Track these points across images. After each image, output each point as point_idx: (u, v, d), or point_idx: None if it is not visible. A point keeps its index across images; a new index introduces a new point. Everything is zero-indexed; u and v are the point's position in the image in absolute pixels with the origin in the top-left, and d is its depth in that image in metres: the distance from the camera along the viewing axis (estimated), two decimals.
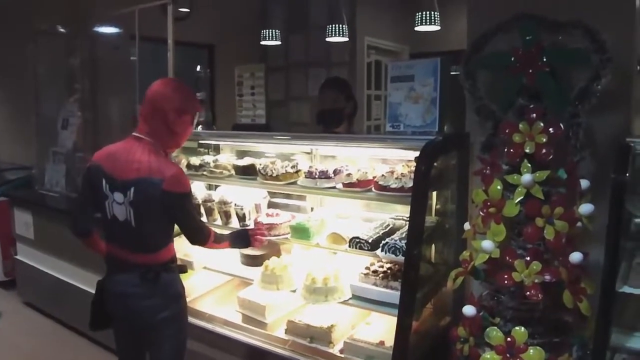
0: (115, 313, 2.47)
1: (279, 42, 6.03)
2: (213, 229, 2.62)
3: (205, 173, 3.32)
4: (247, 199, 3.28)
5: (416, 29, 5.07)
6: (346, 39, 5.77)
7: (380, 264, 2.80)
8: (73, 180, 4.66)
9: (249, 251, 3.28)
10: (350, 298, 2.75)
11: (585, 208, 2.06)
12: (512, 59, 2.21)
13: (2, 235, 5.29)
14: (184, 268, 2.67)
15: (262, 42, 5.96)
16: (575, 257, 2.03)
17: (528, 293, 2.02)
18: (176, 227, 2.46)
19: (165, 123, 2.36)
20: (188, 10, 5.62)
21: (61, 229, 4.34)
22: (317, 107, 3.67)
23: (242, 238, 2.81)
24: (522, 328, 2.08)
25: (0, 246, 5.33)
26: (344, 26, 5.64)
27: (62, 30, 5.33)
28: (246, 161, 3.25)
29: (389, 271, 2.72)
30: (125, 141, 2.39)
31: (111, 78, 4.99)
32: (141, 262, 2.35)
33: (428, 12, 4.87)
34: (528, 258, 2.08)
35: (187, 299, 2.61)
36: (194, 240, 2.52)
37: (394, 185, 2.56)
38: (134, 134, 2.38)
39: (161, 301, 2.37)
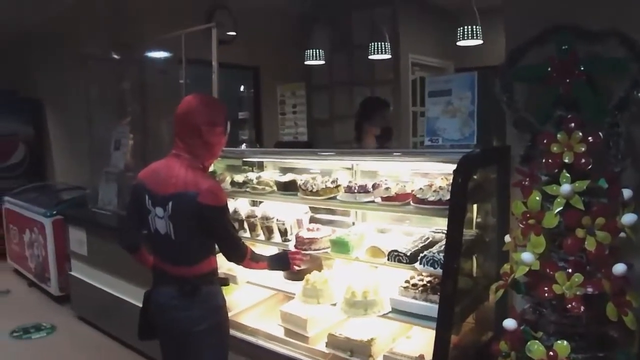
0: (158, 324, 2.55)
1: (322, 62, 6.14)
2: (251, 247, 2.67)
3: (248, 189, 3.40)
4: (289, 215, 3.33)
5: (458, 43, 5.07)
6: (389, 56, 5.81)
7: (421, 277, 2.79)
8: (124, 199, 4.81)
9: None
10: (389, 312, 2.75)
11: (628, 218, 2.01)
12: (549, 69, 2.21)
13: (57, 251, 5.52)
14: (225, 281, 2.72)
15: (306, 62, 6.07)
16: (619, 268, 1.99)
17: (569, 306, 1.99)
18: None
19: (200, 137, 2.42)
20: (234, 33, 5.78)
21: (113, 246, 4.50)
22: (376, 127, 3.88)
23: (281, 260, 2.85)
24: (565, 342, 2.03)
25: (56, 262, 5.55)
26: (386, 44, 5.69)
27: (114, 55, 5.56)
28: (287, 177, 3.31)
29: (428, 284, 2.71)
30: (166, 159, 2.50)
31: (160, 101, 5.17)
32: (181, 274, 2.42)
33: (470, 27, 4.87)
34: (569, 270, 2.04)
35: (231, 313, 2.67)
36: (230, 256, 2.57)
37: (431, 198, 2.56)
38: (173, 151, 2.48)
39: (199, 313, 2.42)
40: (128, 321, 4.26)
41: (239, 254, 2.56)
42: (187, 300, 2.41)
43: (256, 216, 3.40)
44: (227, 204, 2.47)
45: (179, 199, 2.34)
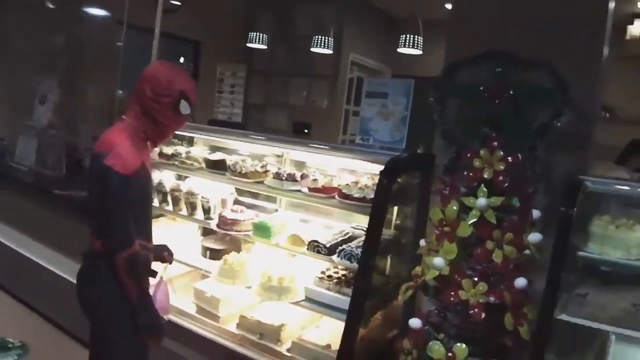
0: None
1: (264, 47, 6.13)
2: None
3: (176, 163, 3.38)
4: (214, 193, 3.33)
5: (398, 50, 5.21)
6: (330, 51, 5.88)
7: (336, 269, 2.88)
8: (43, 155, 4.64)
9: (210, 244, 3.34)
10: (302, 300, 2.82)
11: (534, 236, 2.16)
12: (481, 88, 2.33)
13: None
14: (152, 272, 2.37)
15: (248, 44, 6.05)
16: (520, 282, 2.13)
17: (472, 312, 2.11)
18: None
19: (140, 102, 2.18)
20: (179, 3, 5.68)
21: (26, 202, 4.34)
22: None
23: (149, 313, 2.18)
24: (464, 345, 2.16)
25: None
26: (330, 39, 5.76)
27: (50, 5, 5.33)
28: (217, 156, 3.31)
29: (343, 277, 2.80)
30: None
31: (94, 60, 5.00)
32: (93, 247, 2.17)
33: (412, 36, 5.02)
34: (476, 278, 2.17)
35: None
36: (104, 236, 2.11)
37: (356, 195, 2.64)
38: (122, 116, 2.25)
39: (99, 294, 2.16)
40: (30, 280, 4.16)
41: (117, 241, 2.07)
42: (90, 278, 2.18)
43: (181, 190, 3.39)
44: (132, 177, 2.09)
45: (94, 159, 2.12)
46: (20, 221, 4.47)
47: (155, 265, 2.46)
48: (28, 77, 5.26)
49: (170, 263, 2.58)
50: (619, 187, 2.25)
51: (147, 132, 2.23)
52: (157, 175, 3.42)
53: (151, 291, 2.32)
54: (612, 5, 2.50)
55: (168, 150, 3.47)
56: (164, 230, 3.48)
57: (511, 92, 2.29)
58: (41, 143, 4.69)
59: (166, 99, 2.17)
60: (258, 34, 6.03)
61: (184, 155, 3.39)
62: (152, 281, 2.39)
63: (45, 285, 4.03)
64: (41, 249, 4.15)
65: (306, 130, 6.49)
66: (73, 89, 5.07)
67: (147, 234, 2.32)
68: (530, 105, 2.33)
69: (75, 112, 4.95)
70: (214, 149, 3.67)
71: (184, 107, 2.21)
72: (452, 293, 2.16)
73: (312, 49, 5.87)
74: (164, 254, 2.53)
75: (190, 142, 3.84)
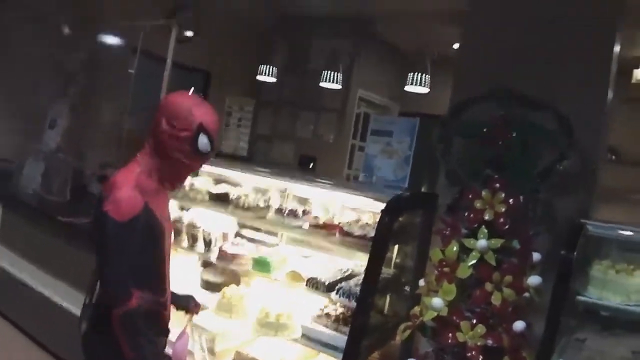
0: None
1: (274, 79, 6.20)
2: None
3: (179, 194, 3.38)
4: (216, 226, 3.34)
5: (405, 88, 5.25)
6: (339, 86, 5.93)
7: (334, 307, 2.85)
8: (49, 179, 4.66)
9: (209, 276, 3.32)
10: (299, 337, 2.79)
11: (534, 279, 2.15)
12: (485, 129, 2.33)
13: None
14: (164, 331, 2.14)
15: (258, 77, 6.12)
16: (519, 325, 2.11)
17: (469, 354, 2.09)
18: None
19: (156, 137, 1.96)
20: (192, 34, 5.76)
21: (29, 226, 4.34)
22: None
23: None
24: None
25: None
26: (339, 75, 5.82)
27: (67, 30, 5.39)
28: (221, 189, 3.32)
29: (341, 315, 2.77)
30: None
31: (105, 86, 5.05)
32: (96, 301, 2.01)
33: (420, 74, 5.07)
34: (474, 321, 2.15)
35: None
36: (103, 289, 1.93)
37: (357, 233, 2.65)
38: None
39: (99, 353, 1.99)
40: (30, 308, 4.13)
41: (116, 294, 1.85)
42: (92, 333, 2.03)
43: (183, 222, 3.39)
44: (130, 223, 1.86)
45: (97, 202, 1.93)
46: (21, 245, 4.46)
47: (178, 316, 2.34)
48: (40, 101, 5.30)
49: (197, 314, 2.42)
50: (620, 232, 2.23)
51: (161, 172, 2.00)
52: None
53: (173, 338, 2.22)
54: (617, 49, 2.52)
55: None
56: None
57: (514, 134, 2.30)
58: (48, 167, 4.72)
59: (183, 132, 1.93)
60: (268, 66, 6.11)
61: (187, 187, 3.40)
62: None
63: (44, 313, 4.01)
64: (39, 275, 4.13)
65: (311, 165, 6.51)
66: (83, 114, 5.11)
67: (159, 286, 2.06)
68: (534, 147, 2.34)
69: (83, 137, 4.98)
70: (218, 181, 3.68)
71: (203, 144, 1.96)
72: (450, 335, 2.15)
73: (321, 84, 5.94)
74: (190, 305, 2.38)
75: (195, 173, 3.85)
